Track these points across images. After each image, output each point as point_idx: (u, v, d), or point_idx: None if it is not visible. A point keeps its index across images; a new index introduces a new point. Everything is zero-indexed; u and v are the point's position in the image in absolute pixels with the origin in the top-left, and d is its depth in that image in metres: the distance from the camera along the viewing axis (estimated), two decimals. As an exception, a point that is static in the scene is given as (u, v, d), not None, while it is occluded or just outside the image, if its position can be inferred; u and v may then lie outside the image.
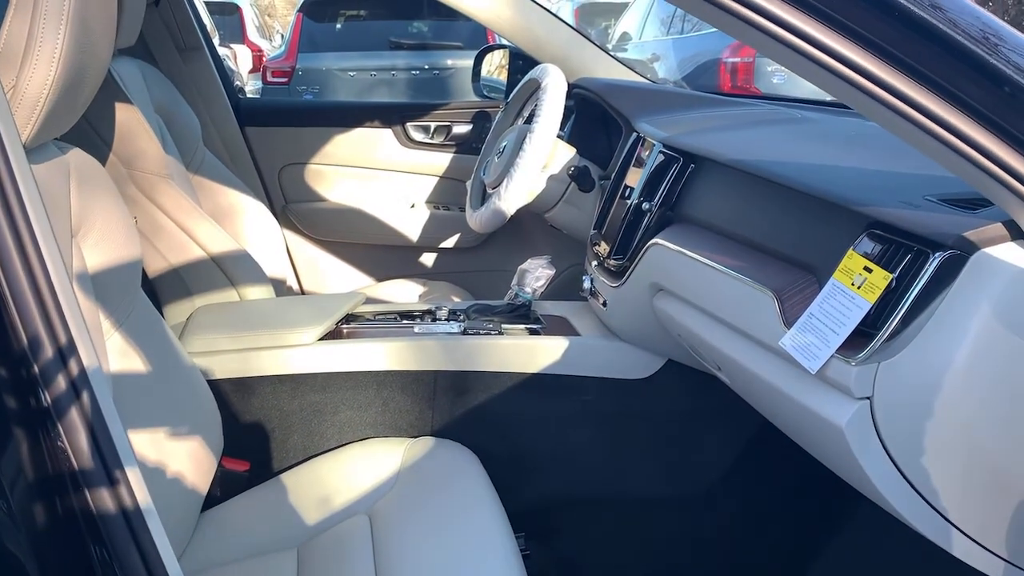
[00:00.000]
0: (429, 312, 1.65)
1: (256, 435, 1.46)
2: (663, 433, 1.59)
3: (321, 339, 1.48)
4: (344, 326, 1.56)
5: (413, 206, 2.38)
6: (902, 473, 0.95)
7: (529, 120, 1.95)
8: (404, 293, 2.14)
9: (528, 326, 1.61)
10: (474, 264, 2.40)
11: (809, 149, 1.30)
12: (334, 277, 2.37)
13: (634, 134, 1.66)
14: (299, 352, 1.45)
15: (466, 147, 2.34)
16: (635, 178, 1.56)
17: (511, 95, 2.05)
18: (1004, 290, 0.85)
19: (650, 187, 1.46)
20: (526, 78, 1.99)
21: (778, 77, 5.49)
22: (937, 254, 0.88)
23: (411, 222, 2.34)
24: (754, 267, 1.14)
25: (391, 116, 2.32)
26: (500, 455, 1.52)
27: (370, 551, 1.21)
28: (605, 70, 2.14)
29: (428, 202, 2.38)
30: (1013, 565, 0.93)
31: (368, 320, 1.59)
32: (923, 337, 0.88)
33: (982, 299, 0.86)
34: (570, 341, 1.54)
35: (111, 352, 1.04)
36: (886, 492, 0.96)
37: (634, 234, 1.46)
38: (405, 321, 1.60)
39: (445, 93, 6.09)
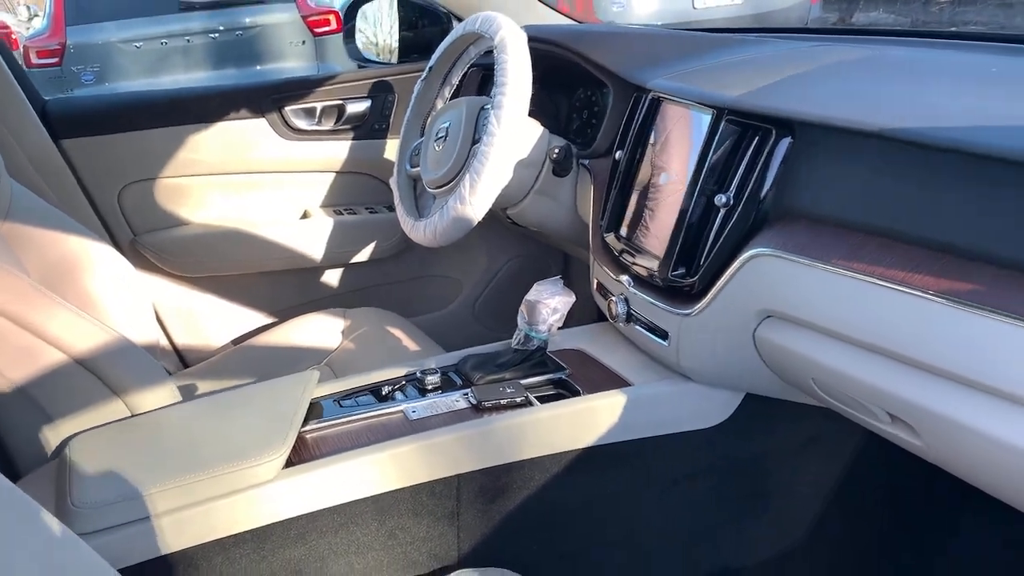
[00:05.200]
0: (412, 379, 1.17)
1: None
2: (746, 485, 1.22)
3: (286, 465, 0.98)
4: (306, 430, 1.06)
5: (306, 214, 1.84)
6: None
7: (480, 90, 1.47)
8: (322, 334, 1.62)
9: (550, 377, 1.18)
10: (396, 275, 1.91)
11: (968, 100, 0.93)
12: (216, 324, 1.80)
13: (646, 96, 1.24)
14: (259, 494, 0.95)
15: (366, 130, 1.82)
16: (668, 158, 1.15)
17: (434, 58, 1.56)
18: None
19: (716, 172, 1.05)
20: (455, 33, 1.51)
21: (617, 5, 5.18)
22: None
23: (307, 236, 1.80)
24: (977, 286, 0.76)
25: (262, 100, 1.75)
26: (551, 566, 1.10)
27: None
28: (535, 18, 1.69)
29: (325, 206, 1.85)
30: None
31: (336, 414, 1.10)
32: None
33: None
34: (624, 395, 1.12)
35: None
36: None
37: (703, 238, 1.05)
38: (386, 405, 1.12)
39: (255, 57, 5.34)
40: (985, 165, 0.79)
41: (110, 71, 5.35)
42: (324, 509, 0.98)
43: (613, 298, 1.23)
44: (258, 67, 5.48)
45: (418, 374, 1.17)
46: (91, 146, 1.67)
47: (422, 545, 1.06)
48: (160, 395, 1.11)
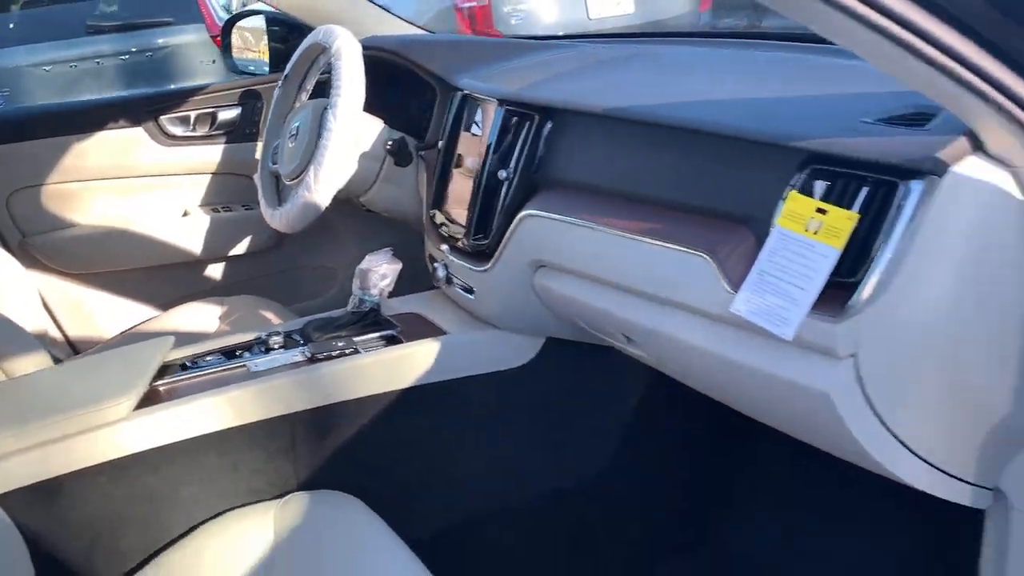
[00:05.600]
0: (259, 341, 1.36)
1: (76, 548, 1.13)
2: (550, 420, 1.43)
3: (137, 407, 1.16)
4: (159, 384, 1.24)
5: (187, 213, 2.01)
6: (884, 424, 0.86)
7: (321, 94, 1.67)
8: (202, 319, 1.80)
9: (382, 334, 1.38)
10: (273, 267, 2.09)
11: (690, 84, 1.17)
12: (106, 317, 1.96)
13: (457, 94, 1.46)
14: (113, 431, 1.13)
15: (238, 135, 2.00)
16: (474, 145, 1.37)
17: (289, 67, 1.75)
18: (979, 209, 0.77)
19: (502, 153, 1.27)
20: (304, 44, 1.71)
21: (516, 18, 5.43)
22: (914, 181, 0.77)
23: (188, 232, 1.98)
24: (670, 228, 0.99)
25: (139, 111, 1.92)
26: (381, 492, 1.30)
27: None
28: (385, 28, 1.90)
29: (204, 205, 2.02)
30: (978, 485, 0.88)
31: (187, 369, 1.28)
32: (908, 276, 0.78)
33: (960, 221, 0.77)
34: (437, 342, 1.33)
35: None
36: (873, 451, 0.87)
37: (494, 209, 1.27)
38: (233, 361, 1.31)
39: (167, 77, 5.44)
40: (677, 135, 1.02)
41: (20, 94, 5.39)
42: (173, 444, 1.17)
43: (436, 265, 1.44)
44: (171, 86, 5.58)
45: (263, 336, 1.36)
46: (-21, 156, 1.82)
47: (262, 475, 1.24)
48: (33, 360, 1.28)
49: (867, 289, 0.79)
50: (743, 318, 0.87)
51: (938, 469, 0.88)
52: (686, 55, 1.43)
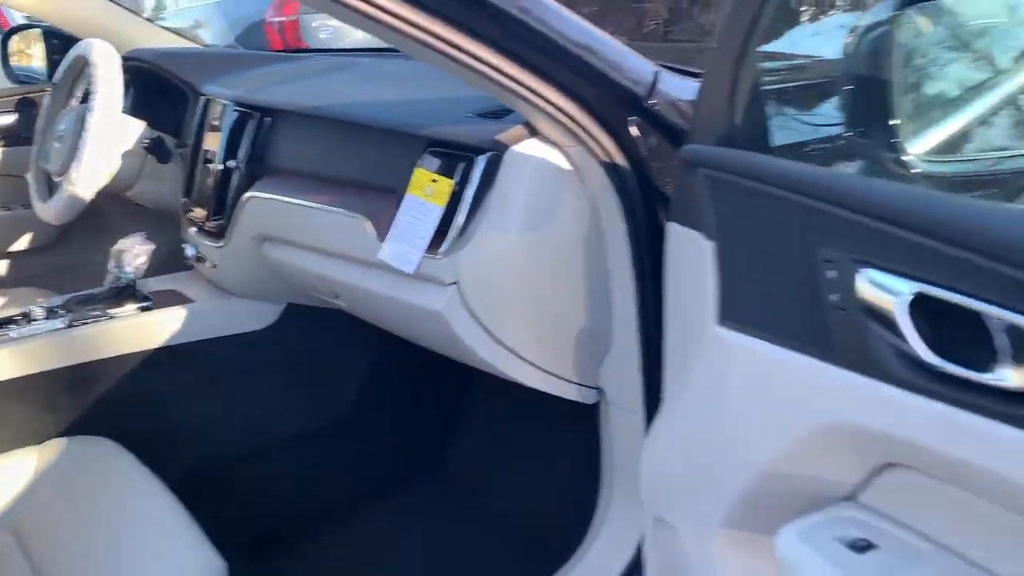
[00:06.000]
0: (23, 315, 1.55)
1: None
2: (289, 375, 1.69)
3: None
4: None
5: (-35, 213, 2.14)
6: (493, 336, 1.17)
7: (85, 99, 1.86)
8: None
9: (138, 305, 1.60)
10: (55, 263, 2.24)
11: (367, 89, 1.47)
12: None
13: (203, 99, 1.70)
14: None
15: (15, 139, 2.15)
16: (214, 141, 1.61)
17: (57, 76, 1.94)
18: (532, 174, 1.09)
19: (231, 146, 1.53)
20: (70, 56, 1.90)
21: (325, 32, 5.66)
22: (480, 157, 1.10)
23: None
24: (344, 198, 1.28)
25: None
26: (137, 438, 1.51)
27: (27, 571, 1.16)
28: (153, 41, 2.10)
29: (-17, 205, 2.16)
30: (581, 384, 1.21)
31: None
32: (486, 224, 1.10)
33: (520, 185, 1.10)
34: (184, 308, 1.57)
35: None
36: (484, 355, 1.18)
37: (227, 193, 1.53)
38: None
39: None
40: (351, 129, 1.32)
41: None
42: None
43: (187, 246, 1.68)
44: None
45: (28, 310, 1.55)
46: None
47: (25, 425, 1.43)
48: None
49: (453, 233, 1.10)
50: (387, 262, 1.17)
51: (544, 371, 1.20)
52: (382, 66, 1.74)
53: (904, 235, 0.63)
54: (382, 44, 1.24)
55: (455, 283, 1.13)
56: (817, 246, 0.70)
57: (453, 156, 1.14)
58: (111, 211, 2.14)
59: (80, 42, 1.83)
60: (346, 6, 0.90)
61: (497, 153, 1.09)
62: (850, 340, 0.68)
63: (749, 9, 0.80)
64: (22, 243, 2.17)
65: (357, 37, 5.86)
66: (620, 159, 1.03)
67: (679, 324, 0.93)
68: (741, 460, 0.78)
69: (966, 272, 0.59)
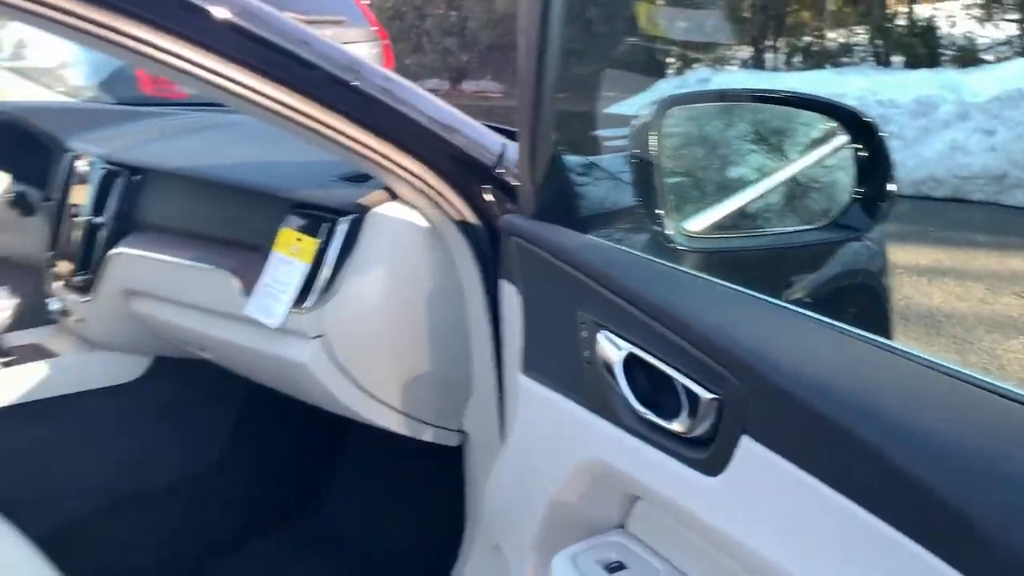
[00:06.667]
0: None
1: None
2: (159, 425, 1.71)
3: None
4: None
5: None
6: (357, 384, 1.25)
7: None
8: None
9: (3, 360, 1.59)
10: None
11: (237, 150, 1.53)
12: None
13: (69, 153, 1.72)
14: None
15: None
16: (81, 195, 1.63)
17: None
18: (392, 232, 1.18)
19: (99, 202, 1.55)
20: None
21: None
22: (343, 218, 1.18)
23: None
24: (212, 255, 1.34)
25: None
26: (5, 495, 1.50)
27: None
28: (12, 92, 2.09)
29: None
30: (435, 426, 1.30)
31: None
32: (349, 282, 1.18)
33: (380, 244, 1.19)
34: (49, 363, 1.57)
35: None
36: (349, 402, 1.25)
37: (93, 248, 1.55)
38: None
39: None
40: (216, 187, 1.37)
41: None
42: None
43: (52, 300, 1.68)
44: None
45: None
46: None
47: None
48: None
49: (318, 288, 1.18)
50: (253, 316, 1.23)
51: (405, 415, 1.28)
52: (252, 125, 1.80)
53: (625, 307, 0.80)
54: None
55: (320, 336, 1.21)
56: (576, 309, 0.85)
57: (316, 217, 1.22)
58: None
59: (-62, 95, 1.81)
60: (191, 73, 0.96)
61: (359, 216, 1.18)
62: (596, 389, 0.84)
63: (536, 102, 0.94)
64: None
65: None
66: (474, 220, 1.14)
67: (510, 370, 1.06)
68: (539, 491, 0.93)
69: (662, 342, 0.76)
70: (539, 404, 0.93)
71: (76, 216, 1.66)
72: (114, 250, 1.49)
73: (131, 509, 1.67)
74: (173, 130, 1.76)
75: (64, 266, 1.63)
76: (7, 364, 1.57)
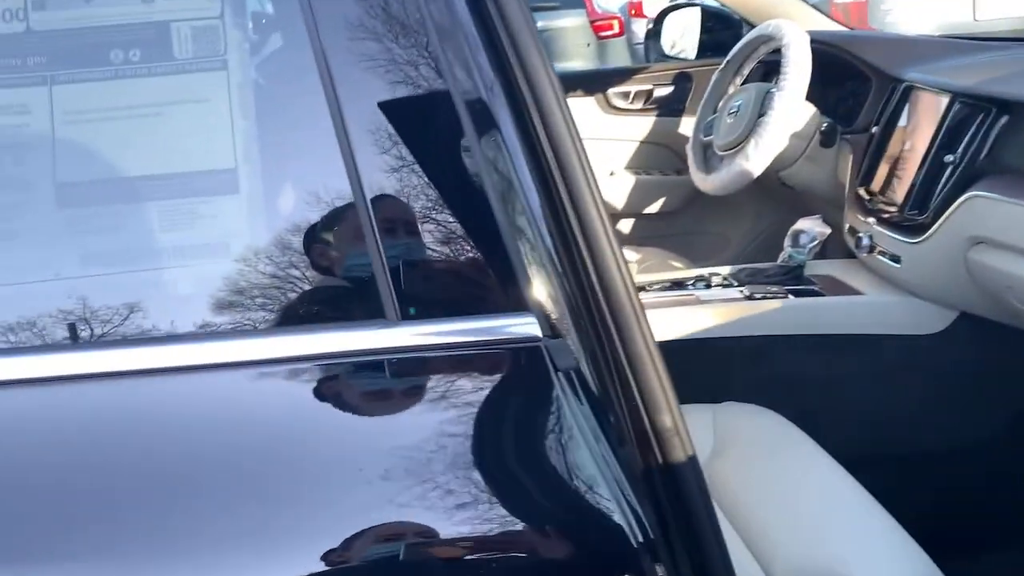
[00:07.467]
0: (701, 278, 1.65)
1: None
2: (950, 386, 1.57)
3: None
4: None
5: (612, 173, 2.37)
6: None
7: (764, 79, 1.92)
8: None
9: (806, 288, 1.60)
10: (671, 229, 2.39)
11: None
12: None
13: (900, 85, 1.63)
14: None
15: (667, 110, 2.32)
16: (911, 130, 1.54)
17: (732, 53, 2.02)
18: None
19: (949, 140, 1.43)
20: (750, 35, 1.97)
21: (891, 15, 5.31)
22: None
23: (612, 190, 2.33)
24: None
25: (593, 83, 2.30)
26: (791, 417, 1.53)
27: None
28: (816, 26, 2.09)
29: (628, 168, 2.37)
30: None
31: (648, 290, 1.60)
32: None
33: None
34: (858, 299, 1.53)
35: None
36: None
37: (934, 188, 1.44)
38: (681, 290, 1.61)
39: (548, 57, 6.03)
40: None
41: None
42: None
43: (860, 235, 1.63)
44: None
45: (706, 275, 1.65)
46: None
47: (705, 381, 1.51)
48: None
49: None
50: None
51: None
52: None
53: None
54: None
55: None
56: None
57: None
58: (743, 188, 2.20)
59: (767, 23, 1.88)
60: None
61: None
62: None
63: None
64: (654, 207, 2.35)
65: (930, 21, 5.41)
66: None
67: None
68: None
69: None
70: None
71: (894, 149, 1.57)
72: (970, 192, 1.36)
73: (927, 464, 1.56)
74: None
75: (884, 203, 1.57)
76: (814, 293, 1.58)
